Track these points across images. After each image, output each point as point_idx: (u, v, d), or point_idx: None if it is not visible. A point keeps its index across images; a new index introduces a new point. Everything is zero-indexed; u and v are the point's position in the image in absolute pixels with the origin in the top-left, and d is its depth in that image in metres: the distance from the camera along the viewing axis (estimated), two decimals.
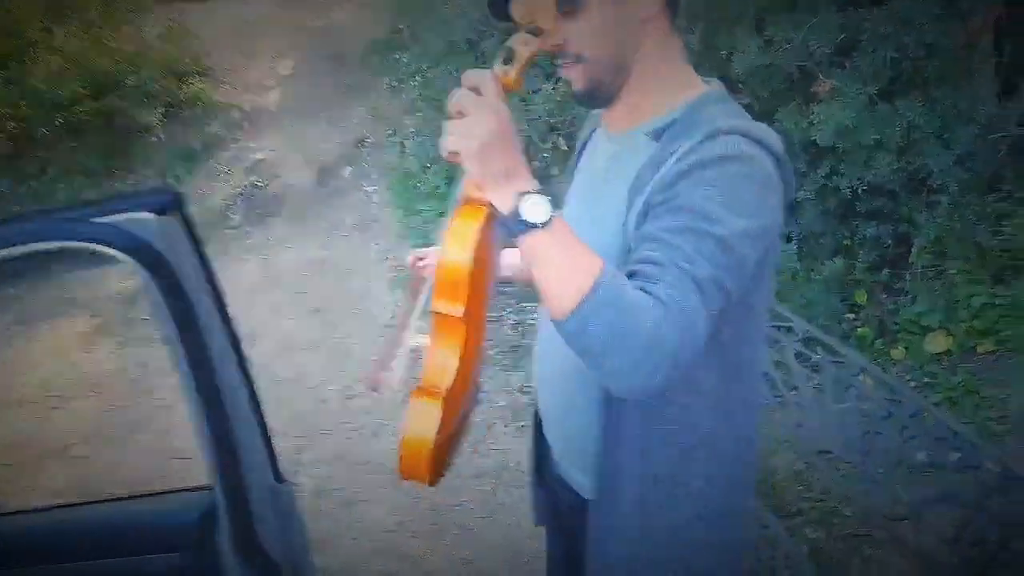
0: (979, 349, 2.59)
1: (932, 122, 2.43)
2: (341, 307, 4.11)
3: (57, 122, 5.39)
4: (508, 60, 0.89)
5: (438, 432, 0.92)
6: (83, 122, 5.52)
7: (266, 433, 1.27)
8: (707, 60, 2.74)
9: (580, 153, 1.19)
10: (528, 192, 0.83)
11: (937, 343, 2.64)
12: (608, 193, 1.02)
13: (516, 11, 0.95)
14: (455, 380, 0.95)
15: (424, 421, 0.92)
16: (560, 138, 4.12)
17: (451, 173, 4.70)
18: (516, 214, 0.82)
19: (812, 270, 2.95)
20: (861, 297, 2.91)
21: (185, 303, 1.04)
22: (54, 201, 5.64)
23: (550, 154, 3.94)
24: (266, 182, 5.13)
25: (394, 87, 5.58)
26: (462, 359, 0.95)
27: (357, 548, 2.63)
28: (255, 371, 3.83)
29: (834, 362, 1.94)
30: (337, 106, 5.79)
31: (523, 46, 0.90)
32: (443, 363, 0.95)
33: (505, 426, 3.11)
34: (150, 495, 1.29)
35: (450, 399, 0.95)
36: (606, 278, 0.82)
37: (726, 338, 0.96)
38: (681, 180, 0.89)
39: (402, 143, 5.09)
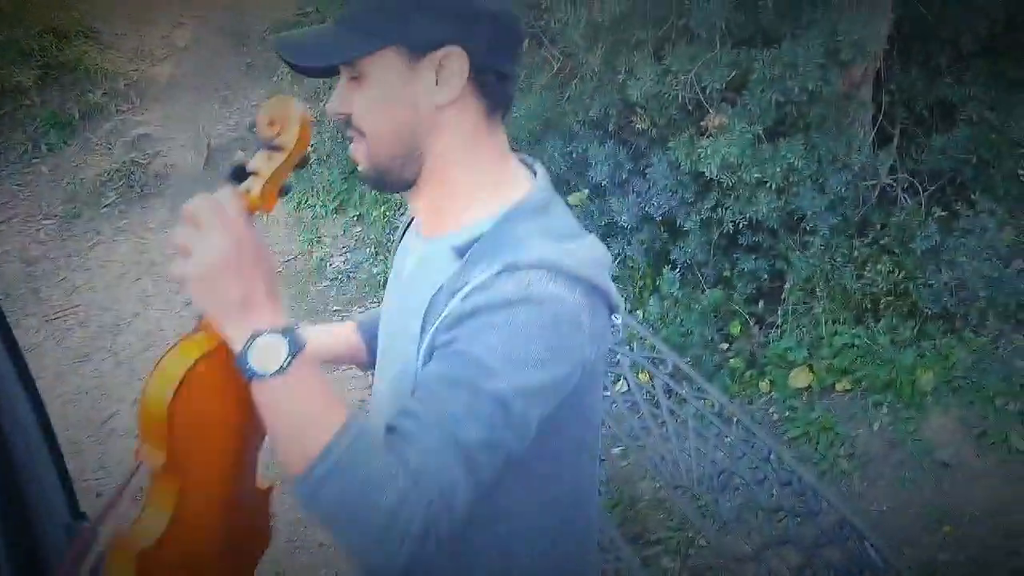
0: (837, 387, 2.70)
1: (809, 165, 2.52)
2: None
3: None
4: (241, 177, 0.79)
5: None
6: None
7: (63, 467, 1.14)
8: (607, 81, 2.75)
9: (398, 243, 1.02)
10: (262, 332, 0.72)
11: (800, 379, 2.74)
12: (410, 309, 0.87)
13: (259, 122, 0.81)
14: (166, 540, 0.79)
15: None
16: None
17: (348, 168, 4.56)
18: (242, 357, 0.72)
19: (692, 299, 3.00)
20: (735, 328, 2.99)
21: None
22: None
23: None
24: (148, 159, 4.81)
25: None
26: (180, 519, 0.79)
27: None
28: (118, 365, 3.58)
29: (698, 397, 1.96)
30: (234, 86, 5.50)
31: (264, 162, 0.79)
32: (148, 522, 0.80)
33: None
34: None
35: (162, 561, 0.79)
36: (343, 441, 0.71)
37: (537, 466, 0.86)
38: (464, 322, 0.78)
39: None
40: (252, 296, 0.73)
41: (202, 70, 5.63)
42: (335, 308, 3.77)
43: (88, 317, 3.82)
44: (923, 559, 2.10)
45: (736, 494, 1.75)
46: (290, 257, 4.19)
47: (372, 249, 4.03)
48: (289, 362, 0.72)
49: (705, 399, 1.96)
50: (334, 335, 1.17)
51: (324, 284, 3.95)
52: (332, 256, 4.12)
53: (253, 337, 0.72)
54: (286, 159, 0.80)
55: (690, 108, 2.85)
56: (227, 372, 0.75)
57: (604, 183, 3.21)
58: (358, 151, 0.87)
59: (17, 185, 4.92)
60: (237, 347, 0.72)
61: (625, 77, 2.67)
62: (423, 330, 0.83)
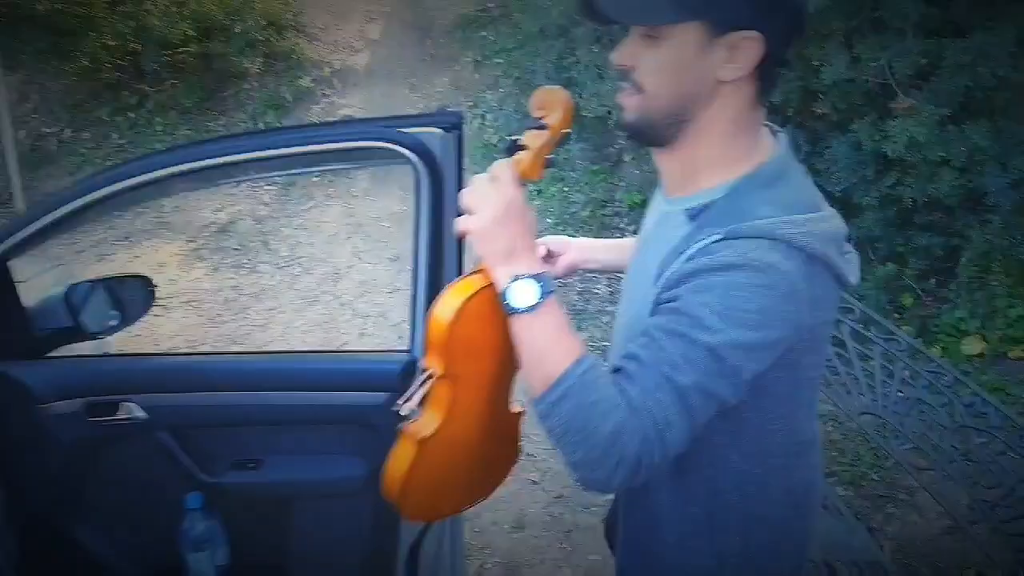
0: (1011, 355, 2.87)
1: (994, 146, 2.71)
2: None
3: (164, 60, 5.78)
4: (512, 150, 0.92)
5: (409, 473, 0.97)
6: (186, 62, 5.92)
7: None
8: (797, 67, 3.03)
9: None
10: (520, 276, 0.87)
11: (972, 346, 2.94)
12: (647, 259, 0.98)
13: (531, 103, 0.96)
14: (438, 435, 0.95)
15: (397, 460, 0.98)
16: None
17: None
18: (504, 294, 0.88)
19: (864, 272, 3.24)
20: (908, 300, 3.20)
21: (441, 199, 1.38)
22: (151, 132, 6.07)
23: None
24: None
25: (478, 62, 5.91)
26: (450, 420, 0.95)
27: None
28: (341, 307, 4.21)
29: (886, 339, 2.25)
30: (421, 74, 6.13)
31: (532, 139, 0.93)
32: (427, 418, 0.96)
33: None
34: (373, 351, 1.65)
35: (433, 451, 0.96)
36: (577, 370, 0.85)
37: (750, 417, 0.95)
38: (686, 281, 0.87)
39: (483, 116, 5.42)
40: (516, 247, 0.89)
41: (392, 60, 6.30)
42: None
43: (312, 266, 4.48)
44: None
45: (920, 416, 2.03)
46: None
47: (552, 220, 4.48)
48: (540, 301, 0.87)
49: (892, 338, 2.25)
50: (620, 249, 1.33)
51: None
52: None
53: (514, 279, 0.87)
54: (550, 137, 0.93)
55: (873, 94, 3.09)
56: (494, 307, 0.90)
57: None
58: (630, 102, 0.94)
59: None
60: (501, 287, 0.88)
61: (817, 64, 2.94)
62: (655, 283, 0.93)
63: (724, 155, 0.94)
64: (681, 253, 0.90)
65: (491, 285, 0.90)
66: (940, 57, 2.70)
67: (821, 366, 1.06)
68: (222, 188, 5.39)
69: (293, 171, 4.03)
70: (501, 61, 5.55)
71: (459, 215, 0.91)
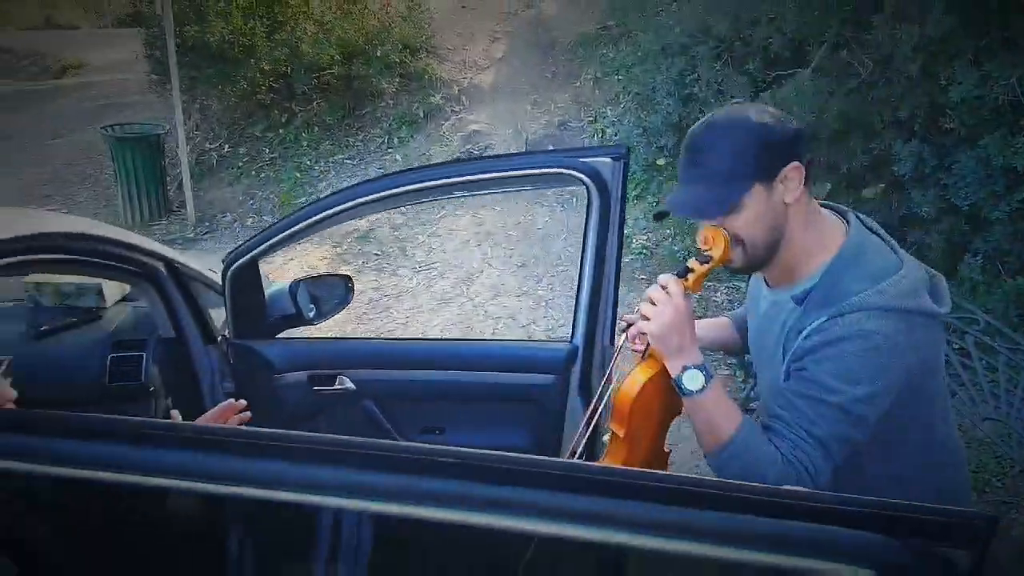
0: None
1: None
2: (544, 265, 4.78)
3: (312, 81, 6.39)
4: (684, 274, 1.21)
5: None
6: (330, 83, 6.51)
7: (616, 308, 1.86)
8: (924, 86, 3.13)
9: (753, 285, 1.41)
10: (689, 366, 1.16)
11: None
12: (768, 338, 1.28)
13: (699, 238, 1.23)
14: None
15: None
16: None
17: (647, 161, 5.25)
18: (678, 382, 1.17)
19: (994, 284, 3.27)
20: None
21: (608, 216, 1.66)
22: (297, 147, 6.70)
23: None
24: (480, 151, 5.88)
25: (598, 79, 6.18)
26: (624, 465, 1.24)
27: None
28: (474, 308, 4.56)
29: (1011, 349, 2.35)
30: (543, 90, 6.46)
31: (697, 266, 1.21)
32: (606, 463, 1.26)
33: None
34: (540, 340, 1.95)
35: None
36: (739, 436, 1.13)
37: (891, 438, 1.19)
38: (808, 355, 1.15)
39: (603, 130, 5.69)
40: (684, 345, 1.17)
41: (516, 77, 6.68)
42: (641, 278, 4.48)
43: (446, 271, 4.89)
44: None
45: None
46: None
47: (672, 231, 4.69)
48: (705, 385, 1.16)
49: (1018, 348, 2.34)
50: (720, 327, 1.57)
51: (630, 258, 4.67)
52: (635, 235, 4.84)
53: (684, 369, 1.16)
54: (712, 265, 1.22)
55: (1005, 109, 3.14)
56: (662, 386, 1.21)
57: (906, 177, 3.56)
58: (736, 254, 1.21)
59: (379, 168, 6.25)
60: (674, 374, 1.17)
61: (946, 83, 3.03)
62: (783, 357, 1.20)
63: (809, 249, 1.22)
64: (799, 333, 1.17)
65: (661, 370, 1.22)
66: None
67: (942, 383, 1.28)
68: None
69: (480, 192, 4.30)
70: (621, 78, 5.79)
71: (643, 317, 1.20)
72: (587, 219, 1.70)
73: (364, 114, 6.72)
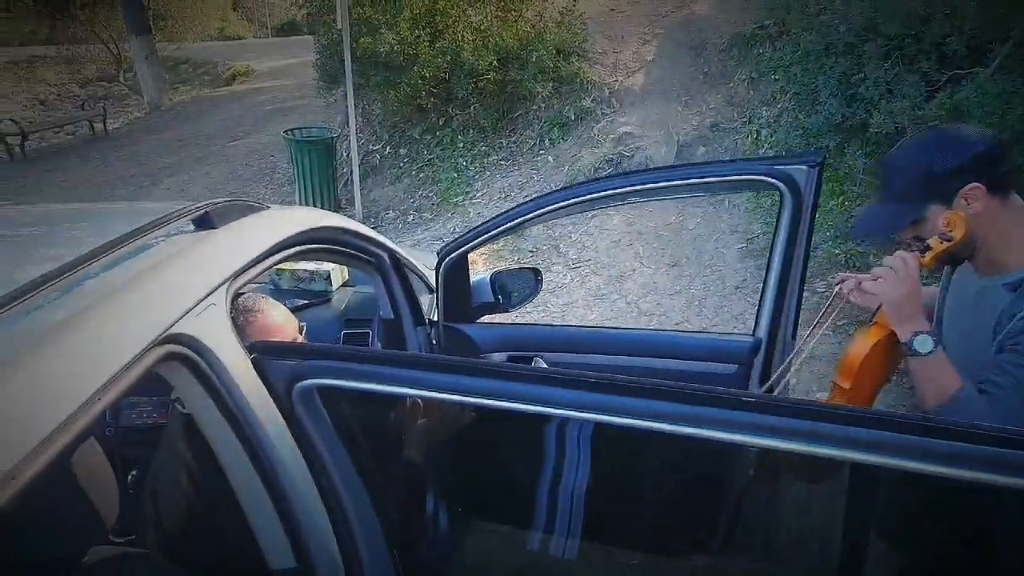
0: None
1: None
2: (696, 265, 4.84)
3: (470, 86, 6.75)
4: (924, 251, 1.37)
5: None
6: (486, 88, 6.85)
7: (799, 305, 1.95)
8: None
9: (948, 277, 1.56)
10: (920, 332, 1.33)
11: None
12: (977, 321, 1.40)
13: (941, 221, 1.36)
14: None
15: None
16: None
17: None
18: (909, 344, 1.34)
19: None
20: None
21: (799, 220, 1.76)
22: (453, 148, 7.09)
23: None
24: (631, 153, 6.01)
25: (753, 79, 6.13)
26: None
27: None
28: (628, 305, 4.68)
29: None
30: (694, 91, 6.48)
31: (937, 244, 1.36)
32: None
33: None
34: (726, 333, 2.10)
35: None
36: (962, 393, 1.30)
37: None
38: (1022, 334, 1.31)
39: (757, 131, 5.65)
40: (915, 314, 1.35)
41: (666, 79, 6.73)
42: None
43: (598, 268, 5.06)
44: None
45: None
46: (751, 236, 4.97)
47: (830, 232, 4.61)
48: (933, 349, 1.33)
49: None
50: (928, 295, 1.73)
51: None
52: None
53: (915, 334, 1.34)
54: (951, 245, 1.36)
55: None
56: (889, 346, 1.38)
57: None
58: (927, 255, 1.40)
59: (531, 169, 6.52)
60: (904, 338, 1.35)
61: None
62: (995, 334, 1.34)
63: (1011, 244, 1.37)
64: (1013, 316, 1.32)
65: (889, 334, 1.38)
66: None
67: None
68: (514, 198, 6.20)
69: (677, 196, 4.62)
70: (778, 78, 5.73)
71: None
72: (778, 221, 1.80)
73: (517, 117, 7.01)
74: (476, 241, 2.11)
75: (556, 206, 1.95)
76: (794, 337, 2.01)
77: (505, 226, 2.04)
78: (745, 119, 5.88)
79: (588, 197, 1.92)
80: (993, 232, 1.36)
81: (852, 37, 4.83)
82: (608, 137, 6.21)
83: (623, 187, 1.87)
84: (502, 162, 6.76)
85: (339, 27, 6.12)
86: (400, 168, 7.29)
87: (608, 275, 4.95)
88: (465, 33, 6.90)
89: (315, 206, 6.90)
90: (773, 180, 1.73)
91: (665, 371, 2.07)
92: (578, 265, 5.16)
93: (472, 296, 2.30)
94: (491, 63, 6.56)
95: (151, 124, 12.20)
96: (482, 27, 6.91)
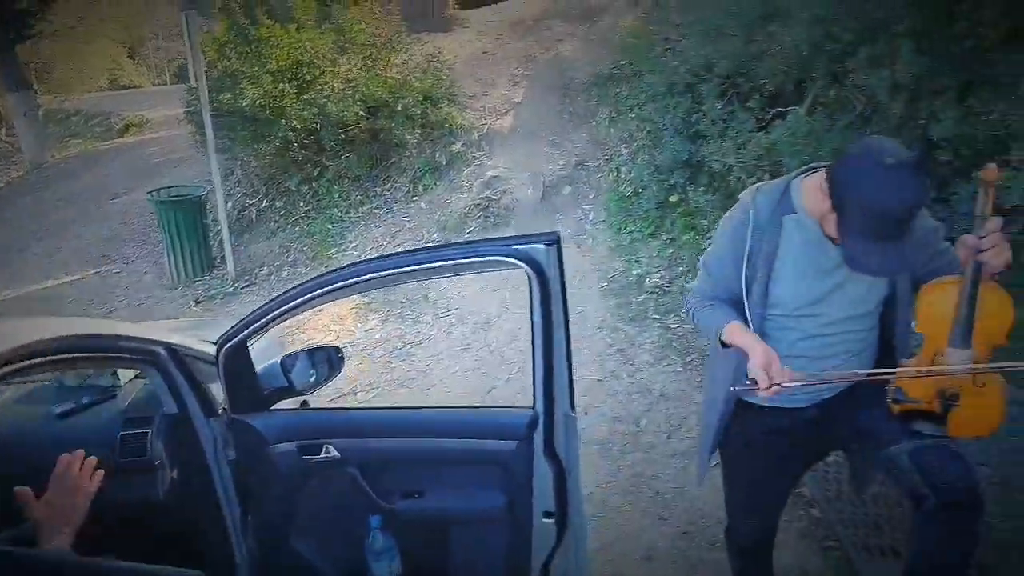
0: None
1: None
2: None
3: (341, 137, 6.69)
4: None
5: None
6: (357, 137, 6.81)
7: (571, 376, 1.97)
8: (906, 127, 3.15)
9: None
10: None
11: None
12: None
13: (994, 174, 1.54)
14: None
15: None
16: (767, 175, 4.61)
17: (660, 199, 5.33)
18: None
19: None
20: None
21: (547, 297, 1.78)
22: (329, 198, 7.00)
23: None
24: (498, 196, 6.06)
25: (612, 117, 6.30)
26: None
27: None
28: (491, 353, 4.69)
29: None
30: (561, 131, 6.62)
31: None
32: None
33: (696, 421, 3.69)
34: (505, 407, 2.08)
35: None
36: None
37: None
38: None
39: (618, 169, 5.80)
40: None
41: (534, 120, 6.86)
42: (654, 316, 4.54)
43: (465, 317, 5.05)
44: None
45: None
46: (613, 274, 5.06)
47: (684, 268, 4.74)
48: None
49: None
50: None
51: (643, 296, 4.74)
52: (649, 274, 4.92)
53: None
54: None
55: (999, 141, 3.14)
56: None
57: None
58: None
59: (404, 217, 6.49)
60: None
61: (926, 121, 3.06)
62: None
63: None
64: None
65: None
66: None
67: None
68: (388, 247, 6.15)
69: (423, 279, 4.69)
70: (634, 116, 5.90)
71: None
72: (531, 301, 1.82)
73: (391, 164, 6.99)
74: (252, 328, 2.04)
75: (313, 294, 1.91)
76: (573, 408, 2.02)
77: (272, 314, 1.99)
78: (607, 157, 6.02)
79: (340, 284, 1.89)
80: None
81: (691, 77, 5.03)
82: (477, 181, 6.25)
83: (374, 272, 1.85)
84: (376, 211, 6.71)
85: (194, 84, 5.98)
86: (276, 222, 7.14)
87: (474, 323, 4.94)
88: (334, 83, 6.86)
89: (186, 268, 6.67)
90: (514, 260, 1.75)
91: (451, 451, 2.04)
92: (446, 314, 5.14)
93: (263, 382, 2.21)
94: (357, 113, 6.52)
95: (30, 183, 11.59)
96: (350, 77, 6.88)
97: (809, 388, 1.87)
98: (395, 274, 1.82)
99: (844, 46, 3.21)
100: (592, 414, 3.88)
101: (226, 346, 2.06)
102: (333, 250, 6.43)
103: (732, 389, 1.83)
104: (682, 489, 3.27)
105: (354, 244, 6.38)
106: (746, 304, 1.86)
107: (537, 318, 1.82)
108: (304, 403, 2.53)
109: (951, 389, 1.64)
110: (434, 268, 1.79)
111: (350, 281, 1.86)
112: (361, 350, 4.92)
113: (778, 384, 1.69)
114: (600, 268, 5.17)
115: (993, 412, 1.65)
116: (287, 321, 2.10)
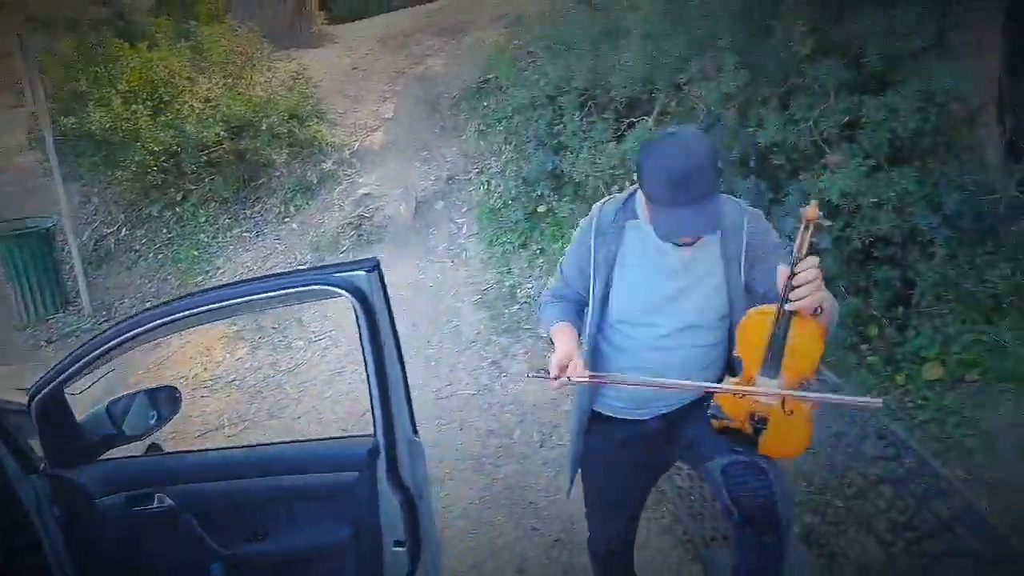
0: (967, 378, 3.07)
1: (923, 188, 2.96)
2: (433, 323, 4.86)
3: (202, 159, 6.41)
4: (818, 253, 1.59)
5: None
6: (221, 158, 6.54)
7: (410, 400, 1.95)
8: (741, 134, 3.34)
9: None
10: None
11: (932, 372, 3.14)
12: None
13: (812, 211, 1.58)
14: None
15: None
16: (628, 183, 4.77)
17: (529, 209, 5.41)
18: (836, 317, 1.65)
19: None
20: (873, 331, 3.43)
21: (374, 324, 1.75)
22: (195, 223, 6.69)
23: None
24: (370, 214, 5.97)
25: (482, 131, 6.35)
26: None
27: (446, 515, 3.33)
28: (362, 378, 4.54)
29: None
30: (432, 146, 6.60)
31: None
32: None
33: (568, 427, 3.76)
34: (342, 437, 2.03)
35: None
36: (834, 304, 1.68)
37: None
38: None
39: (488, 182, 5.84)
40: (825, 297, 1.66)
41: (405, 135, 6.80)
42: (527, 327, 4.60)
43: (339, 340, 4.93)
44: None
45: (847, 449, 2.29)
46: (486, 287, 5.09)
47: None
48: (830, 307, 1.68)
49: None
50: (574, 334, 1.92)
51: (516, 307, 4.80)
52: (520, 284, 4.98)
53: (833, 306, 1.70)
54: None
55: (818, 145, 3.38)
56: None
57: None
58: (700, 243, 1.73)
59: (275, 239, 6.29)
60: (835, 313, 1.72)
61: (754, 128, 3.25)
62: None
63: None
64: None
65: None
66: (861, 114, 2.97)
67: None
68: (259, 271, 5.94)
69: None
70: (502, 128, 5.97)
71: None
72: (359, 328, 1.79)
73: (259, 185, 6.76)
74: (66, 374, 1.91)
75: (128, 335, 1.81)
76: (415, 433, 2.00)
77: (88, 357, 1.87)
78: (478, 170, 6.06)
79: (153, 325, 1.80)
80: None
81: (551, 90, 5.14)
82: (349, 199, 6.14)
83: (188, 309, 1.77)
84: (246, 234, 6.47)
85: (31, 109, 5.57)
86: (137, 251, 6.75)
87: (348, 346, 4.83)
88: (193, 103, 6.56)
89: (36, 306, 6.20)
90: (336, 289, 1.72)
91: (291, 487, 1.98)
92: (319, 338, 5.01)
93: (88, 431, 2.07)
94: (219, 134, 6.27)
95: None
96: (210, 97, 6.61)
97: (653, 402, 1.93)
98: (209, 311, 1.75)
99: (675, 60, 3.37)
100: (467, 430, 3.88)
101: (38, 396, 1.92)
102: (200, 277, 6.15)
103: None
104: (554, 498, 3.31)
105: (222, 270, 6.12)
106: (588, 308, 1.90)
107: (366, 344, 1.79)
108: (153, 447, 2.39)
109: (760, 413, 1.70)
110: (250, 302, 1.74)
111: (163, 320, 1.78)
112: (230, 382, 4.72)
113: (566, 377, 1.74)
114: (474, 281, 5.18)
115: (798, 437, 1.71)
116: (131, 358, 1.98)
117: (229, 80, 6.80)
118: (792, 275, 1.54)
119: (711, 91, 3.19)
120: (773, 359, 1.64)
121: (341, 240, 5.90)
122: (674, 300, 1.82)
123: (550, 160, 5.09)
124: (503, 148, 5.93)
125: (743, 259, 1.73)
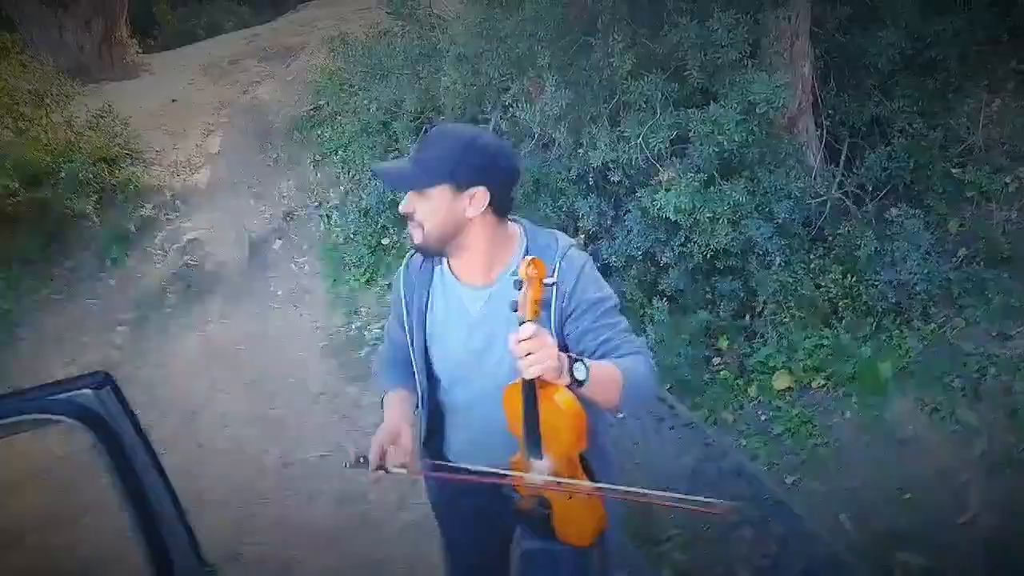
0: (813, 384, 3.07)
1: (753, 199, 2.93)
2: (276, 378, 4.43)
3: None
4: (515, 309, 1.36)
5: None
6: (19, 212, 5.74)
7: (185, 520, 1.61)
8: (569, 153, 3.21)
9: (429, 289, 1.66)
10: (573, 368, 1.36)
11: (781, 381, 3.13)
12: (489, 318, 1.58)
13: (530, 268, 1.38)
14: None
15: None
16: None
17: (373, 243, 5.10)
18: (576, 381, 1.36)
19: (681, 323, 3.41)
20: (724, 343, 3.39)
21: (121, 450, 1.40)
22: None
23: None
24: (199, 261, 5.43)
25: (318, 161, 5.96)
26: None
27: None
28: (196, 448, 4.11)
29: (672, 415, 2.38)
30: (265, 180, 6.12)
31: (529, 302, 1.34)
32: None
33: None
34: None
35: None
36: (623, 371, 1.40)
37: None
38: (592, 305, 1.55)
39: (327, 215, 5.46)
40: (561, 358, 1.35)
41: (234, 171, 6.27)
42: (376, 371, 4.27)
43: (171, 409, 4.38)
44: (889, 524, 2.46)
45: (705, 486, 2.16)
46: (333, 331, 4.72)
47: None
48: (587, 367, 1.37)
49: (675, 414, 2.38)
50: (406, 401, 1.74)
51: (365, 351, 4.46)
52: (370, 324, 4.64)
53: (573, 372, 1.35)
54: (534, 290, 1.35)
55: (651, 160, 3.30)
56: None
57: (592, 230, 3.66)
58: (416, 234, 1.54)
59: (90, 299, 5.59)
60: (568, 381, 1.36)
61: (586, 147, 3.13)
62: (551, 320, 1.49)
63: (491, 253, 1.56)
64: (566, 294, 1.51)
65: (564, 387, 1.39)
66: (688, 128, 2.90)
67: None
68: (71, 338, 5.24)
69: None
70: (338, 158, 5.62)
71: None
72: (102, 460, 1.44)
73: (70, 240, 6.00)
74: None
75: None
76: (200, 558, 1.66)
77: None
78: (316, 204, 5.67)
79: None
80: (478, 242, 1.51)
81: (383, 115, 4.86)
82: (173, 247, 5.56)
83: None
84: (56, 296, 5.70)
85: None
86: None
87: (182, 414, 4.31)
88: None
89: None
90: (60, 417, 1.36)
91: None
92: (146, 410, 4.42)
93: None
94: (8, 186, 5.49)
95: None
96: None
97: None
98: None
99: (497, 80, 3.20)
100: (318, 500, 3.51)
101: None
102: None
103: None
104: (413, 568, 3.02)
105: (28, 340, 5.35)
106: (414, 366, 1.69)
107: (117, 480, 1.44)
108: None
109: (541, 495, 1.49)
110: None
111: None
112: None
113: (384, 468, 1.52)
114: (320, 326, 4.80)
115: (584, 523, 1.49)
116: None
117: (20, 124, 6.00)
118: (520, 342, 1.32)
119: (534, 113, 3.03)
120: (530, 438, 1.42)
121: (167, 293, 5.32)
122: (480, 355, 1.61)
123: (390, 189, 4.80)
124: (341, 179, 5.57)
125: (552, 313, 1.50)
